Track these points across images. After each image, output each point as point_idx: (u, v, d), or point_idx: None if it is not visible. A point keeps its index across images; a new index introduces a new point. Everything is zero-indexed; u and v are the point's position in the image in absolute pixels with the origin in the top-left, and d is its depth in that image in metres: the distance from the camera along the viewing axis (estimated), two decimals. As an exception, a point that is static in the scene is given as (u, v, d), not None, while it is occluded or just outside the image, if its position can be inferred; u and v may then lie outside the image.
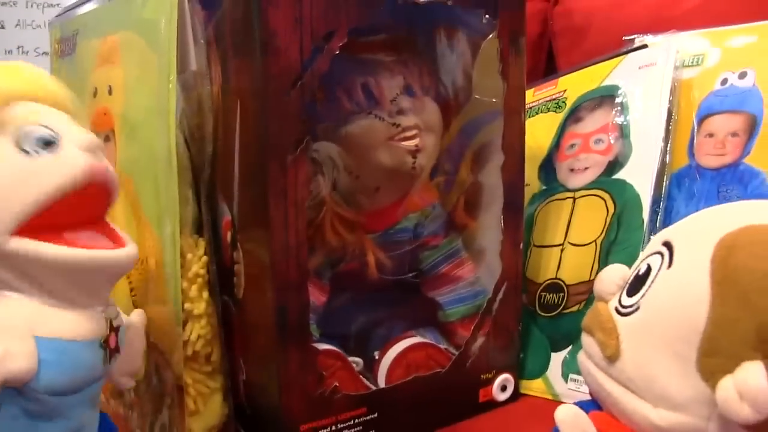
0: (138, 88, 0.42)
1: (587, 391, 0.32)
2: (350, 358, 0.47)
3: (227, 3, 0.40)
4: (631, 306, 0.29)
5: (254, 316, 0.41)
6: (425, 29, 0.49)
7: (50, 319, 0.30)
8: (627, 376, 0.28)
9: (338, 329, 0.49)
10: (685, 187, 0.51)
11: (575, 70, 0.62)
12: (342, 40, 0.39)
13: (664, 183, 0.52)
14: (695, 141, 0.52)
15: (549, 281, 0.53)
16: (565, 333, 0.51)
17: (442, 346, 0.50)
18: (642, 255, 0.31)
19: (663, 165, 0.52)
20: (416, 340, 0.49)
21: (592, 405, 0.31)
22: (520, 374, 0.51)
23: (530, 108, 0.62)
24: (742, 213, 0.28)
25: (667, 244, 0.29)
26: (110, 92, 0.44)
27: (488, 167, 0.50)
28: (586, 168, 0.55)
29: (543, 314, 0.53)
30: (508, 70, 0.46)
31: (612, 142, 0.54)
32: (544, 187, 0.58)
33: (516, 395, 0.51)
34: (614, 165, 0.53)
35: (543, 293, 0.53)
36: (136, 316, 0.38)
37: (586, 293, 0.51)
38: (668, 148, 0.52)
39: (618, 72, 0.57)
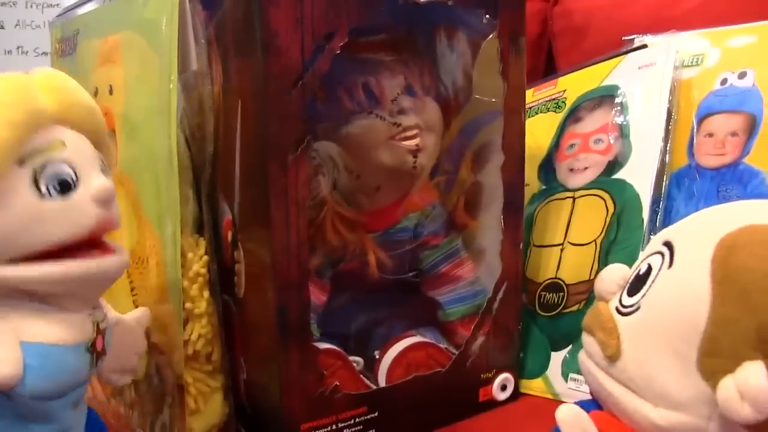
0: (139, 87, 0.42)
1: (587, 391, 0.32)
2: (351, 358, 0.47)
3: (228, 3, 0.40)
4: (631, 306, 0.29)
5: (255, 315, 0.42)
6: (426, 29, 0.49)
7: (36, 324, 0.30)
8: (628, 376, 0.29)
9: (339, 329, 0.49)
10: (685, 186, 0.51)
11: (575, 70, 0.62)
12: (343, 39, 0.39)
13: (664, 183, 0.52)
14: (695, 141, 0.52)
15: (549, 281, 0.53)
16: (565, 332, 0.51)
17: (443, 346, 0.50)
18: (642, 255, 0.31)
19: (663, 165, 0.52)
20: (416, 339, 0.49)
21: (593, 404, 0.31)
22: (520, 374, 0.51)
23: (530, 108, 0.62)
24: (743, 213, 0.28)
25: (668, 244, 0.29)
26: (111, 92, 0.44)
27: (488, 167, 0.50)
28: (586, 168, 0.55)
29: (543, 314, 0.53)
30: (508, 70, 0.46)
31: (612, 141, 0.54)
32: (543, 187, 0.58)
33: (516, 395, 0.51)
34: (614, 165, 0.53)
35: (543, 293, 0.53)
36: (137, 314, 0.38)
37: (586, 293, 0.51)
38: (668, 148, 0.52)
39: (618, 72, 0.57)
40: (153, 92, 0.40)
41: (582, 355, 0.32)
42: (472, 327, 0.48)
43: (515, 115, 0.48)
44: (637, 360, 0.28)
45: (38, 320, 0.30)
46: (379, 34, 0.46)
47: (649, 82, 0.54)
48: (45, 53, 1.17)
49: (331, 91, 0.45)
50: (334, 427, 0.42)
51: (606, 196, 0.53)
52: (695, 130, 0.52)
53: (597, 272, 0.33)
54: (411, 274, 0.52)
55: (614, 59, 0.58)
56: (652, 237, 0.40)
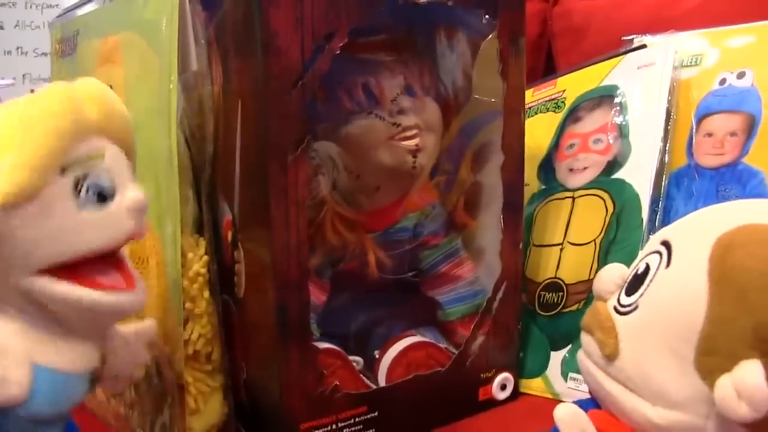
0: (139, 88, 0.42)
1: (587, 390, 0.32)
2: (350, 357, 0.47)
3: (228, 3, 0.40)
4: (629, 305, 0.29)
5: (255, 315, 0.42)
6: (425, 29, 0.49)
7: (51, 348, 0.30)
8: (626, 375, 0.29)
9: (338, 328, 0.49)
10: (684, 186, 0.52)
11: (574, 70, 0.62)
12: (343, 40, 0.39)
13: (663, 182, 0.52)
14: (694, 141, 0.52)
15: (548, 280, 0.54)
16: (565, 332, 0.51)
17: (442, 345, 0.50)
18: (641, 254, 0.32)
19: (662, 164, 0.52)
20: (416, 339, 0.50)
21: (591, 404, 0.31)
22: (519, 373, 0.51)
23: (530, 108, 0.62)
24: (740, 212, 0.29)
25: (666, 244, 0.29)
26: (111, 92, 0.44)
27: (488, 167, 0.50)
28: (585, 168, 0.55)
29: (542, 313, 0.53)
30: (507, 71, 0.47)
31: (611, 141, 0.54)
32: (543, 187, 0.58)
33: (516, 394, 0.51)
34: (613, 165, 0.54)
35: (542, 292, 0.54)
36: (137, 327, 0.37)
37: (586, 292, 0.51)
38: (667, 148, 0.52)
39: (617, 72, 0.57)
40: (153, 93, 0.40)
41: (580, 355, 0.32)
42: (472, 327, 0.48)
43: (515, 115, 0.48)
44: (635, 359, 0.28)
45: (53, 344, 0.30)
46: (378, 35, 0.46)
47: (649, 82, 0.54)
48: (44, 54, 1.18)
49: (331, 91, 0.45)
50: (333, 426, 0.42)
51: (605, 195, 0.53)
52: (694, 130, 0.52)
53: (596, 272, 0.33)
54: (411, 273, 0.52)
55: (613, 59, 0.58)
56: (651, 237, 0.40)
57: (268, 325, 0.40)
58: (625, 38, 0.61)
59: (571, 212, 0.54)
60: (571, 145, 0.57)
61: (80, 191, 0.29)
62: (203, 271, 0.41)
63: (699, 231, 0.28)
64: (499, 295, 0.49)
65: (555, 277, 0.53)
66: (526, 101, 0.51)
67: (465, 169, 0.52)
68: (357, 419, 0.43)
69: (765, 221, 0.27)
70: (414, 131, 0.46)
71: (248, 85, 0.39)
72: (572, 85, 0.60)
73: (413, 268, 0.52)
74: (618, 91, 0.56)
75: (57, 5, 1.17)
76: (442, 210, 0.52)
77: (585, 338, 0.31)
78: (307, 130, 0.39)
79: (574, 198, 0.55)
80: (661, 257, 0.29)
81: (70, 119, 0.29)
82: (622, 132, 0.54)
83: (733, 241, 0.26)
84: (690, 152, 0.52)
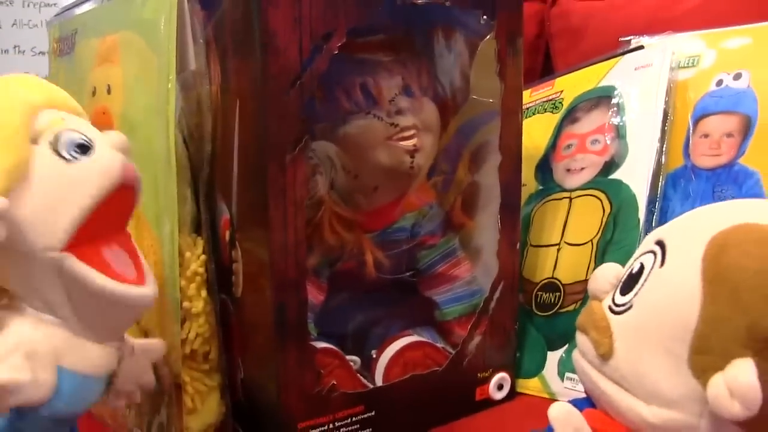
0: (137, 87, 0.42)
1: (584, 390, 0.32)
2: (348, 357, 0.47)
3: (227, 3, 0.40)
4: (624, 304, 0.30)
5: (252, 314, 0.42)
6: (423, 30, 0.49)
7: (76, 352, 0.31)
8: (620, 374, 0.29)
9: (336, 328, 0.49)
10: (681, 187, 0.52)
11: (572, 71, 0.62)
12: (341, 40, 0.39)
13: (660, 183, 0.52)
14: (690, 141, 0.52)
15: (545, 281, 0.54)
16: (562, 332, 0.51)
17: (439, 345, 0.50)
18: (635, 254, 0.32)
19: (659, 165, 0.52)
20: (413, 338, 0.50)
21: (586, 403, 0.31)
22: (516, 373, 0.52)
23: (527, 108, 0.62)
24: (734, 211, 0.29)
25: (660, 243, 0.29)
26: (109, 91, 0.44)
27: (485, 167, 0.50)
28: (583, 168, 0.55)
29: (539, 313, 0.53)
30: (505, 71, 0.47)
31: (608, 142, 0.55)
32: (540, 187, 0.58)
33: (512, 394, 0.51)
34: (610, 165, 0.54)
35: (539, 292, 0.54)
36: (146, 345, 0.38)
37: (583, 293, 0.51)
38: (664, 149, 0.53)
39: (614, 73, 0.57)
40: (151, 92, 0.40)
41: (576, 354, 0.32)
42: (469, 326, 0.48)
43: (512, 115, 0.48)
44: (630, 358, 0.28)
45: (79, 348, 0.32)
46: (377, 35, 0.46)
47: (646, 83, 0.54)
48: (42, 53, 1.17)
49: (329, 91, 0.45)
50: (331, 425, 0.43)
51: (602, 196, 0.53)
52: (691, 131, 0.53)
53: (593, 272, 0.33)
54: (408, 273, 0.52)
55: (611, 60, 0.58)
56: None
57: (265, 324, 0.40)
58: (622, 39, 0.61)
59: (568, 212, 0.55)
60: (569, 146, 0.57)
61: (61, 152, 0.31)
62: (201, 270, 0.42)
63: (693, 230, 0.29)
64: (496, 295, 0.49)
65: (552, 278, 0.53)
66: (524, 102, 0.51)
67: (462, 170, 0.52)
68: (354, 419, 0.43)
69: (759, 221, 0.27)
70: (412, 131, 0.46)
71: (246, 84, 0.39)
72: (570, 85, 0.61)
73: (411, 268, 0.52)
74: (615, 92, 0.56)
75: (55, 4, 1.17)
76: (439, 210, 0.52)
77: (580, 338, 0.32)
78: (306, 130, 0.39)
79: (571, 198, 0.55)
80: (655, 257, 0.29)
81: (19, 101, 0.31)
82: (620, 133, 0.54)
83: (728, 240, 0.26)
84: (687, 153, 0.52)
